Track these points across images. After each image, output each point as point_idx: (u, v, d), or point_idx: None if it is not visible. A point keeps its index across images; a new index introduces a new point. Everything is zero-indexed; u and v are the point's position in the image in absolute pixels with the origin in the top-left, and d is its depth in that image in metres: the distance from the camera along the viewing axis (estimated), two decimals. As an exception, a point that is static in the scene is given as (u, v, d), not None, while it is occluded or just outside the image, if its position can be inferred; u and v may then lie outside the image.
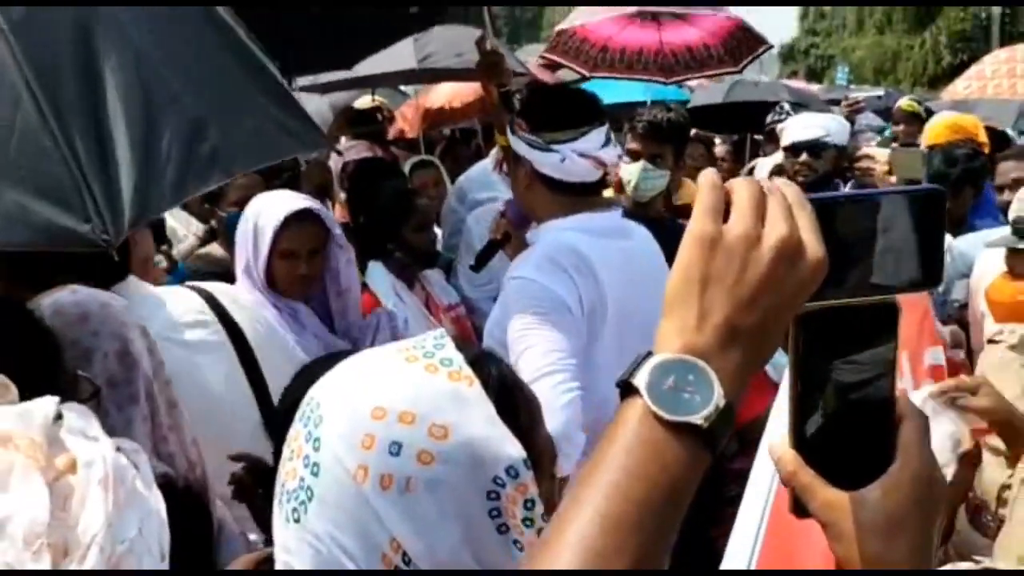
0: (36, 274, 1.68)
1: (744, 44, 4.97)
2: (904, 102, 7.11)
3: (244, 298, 2.22)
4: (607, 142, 2.04)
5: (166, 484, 1.33)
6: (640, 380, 0.62)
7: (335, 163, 4.61)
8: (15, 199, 1.20)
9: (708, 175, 0.67)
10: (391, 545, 0.79)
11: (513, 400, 0.87)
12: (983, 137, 4.38)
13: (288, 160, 3.63)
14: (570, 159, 1.98)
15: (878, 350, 0.72)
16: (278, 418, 1.49)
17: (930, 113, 6.68)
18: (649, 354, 0.64)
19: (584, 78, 4.99)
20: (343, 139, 5.40)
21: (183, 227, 3.43)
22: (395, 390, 0.82)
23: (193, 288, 2.10)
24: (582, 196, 2.05)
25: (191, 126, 1.39)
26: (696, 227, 0.64)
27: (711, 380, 0.62)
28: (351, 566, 0.79)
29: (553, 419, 1.74)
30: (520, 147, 2.04)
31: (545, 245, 1.99)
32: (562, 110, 2.06)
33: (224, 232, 3.00)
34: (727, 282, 0.63)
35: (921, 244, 0.69)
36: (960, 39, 21.28)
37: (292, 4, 2.64)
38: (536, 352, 1.82)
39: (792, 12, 36.30)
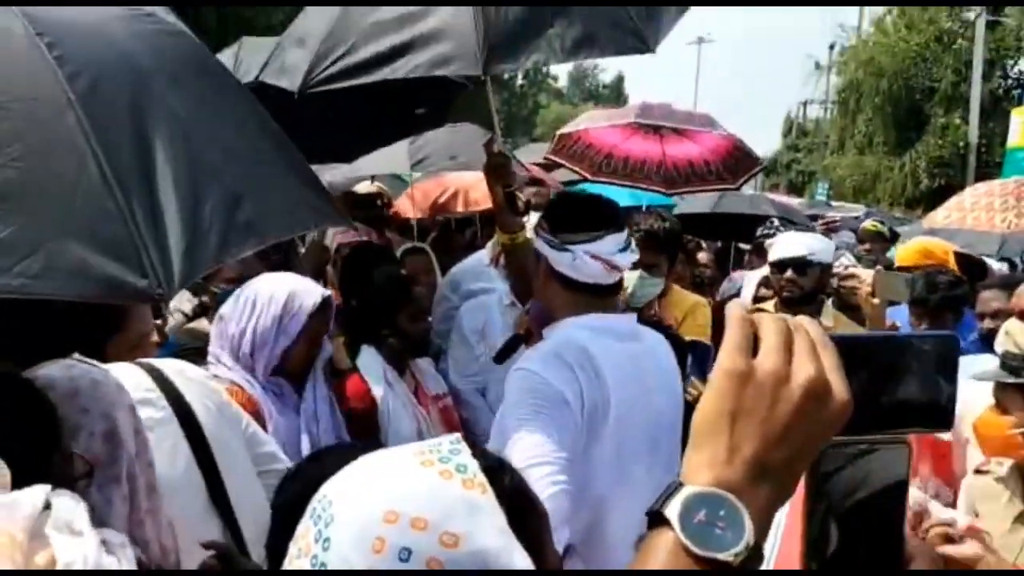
0: None
1: (741, 163, 5.16)
2: (868, 223, 7.42)
3: (193, 373, 2.21)
4: (625, 248, 2.11)
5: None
6: (672, 512, 0.63)
7: (328, 243, 4.64)
8: (78, 254, 1.26)
9: (735, 309, 0.69)
10: None
11: (524, 512, 0.87)
12: (952, 264, 4.50)
13: (284, 240, 3.68)
14: (580, 259, 2.05)
15: (889, 488, 0.74)
16: (277, 511, 1.47)
17: (894, 233, 6.93)
18: (679, 484, 0.65)
19: (584, 180, 5.12)
20: (338, 221, 5.44)
21: (175, 301, 3.43)
22: (409, 494, 0.81)
23: (140, 364, 2.09)
24: (596, 297, 2.11)
25: (230, 197, 1.49)
26: (727, 362, 0.66)
27: (742, 517, 0.62)
28: None
29: None
30: (540, 246, 2.13)
31: (554, 341, 2.05)
32: (580, 214, 2.15)
33: (216, 308, 3.01)
34: (757, 417, 0.64)
35: (933, 387, 0.72)
36: (938, 164, 21.98)
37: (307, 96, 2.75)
38: (527, 443, 1.83)
39: (776, 128, 37.51)
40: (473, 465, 0.84)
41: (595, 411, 1.94)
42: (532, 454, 1.80)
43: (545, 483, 1.78)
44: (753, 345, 0.67)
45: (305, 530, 0.84)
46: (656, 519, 0.64)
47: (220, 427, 2.12)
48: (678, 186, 5.17)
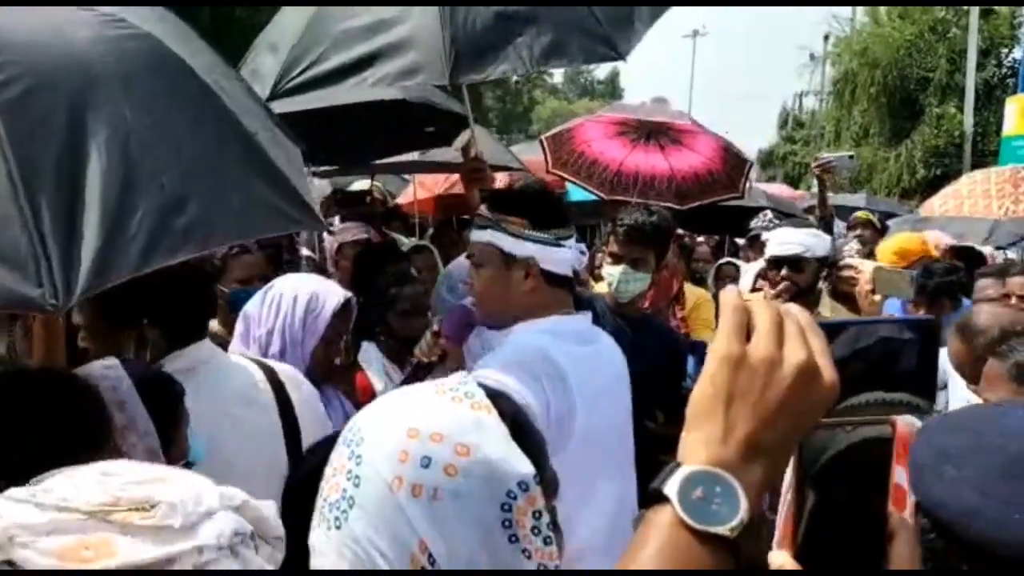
0: (123, 316, 1.86)
1: (736, 167, 5.19)
2: (860, 212, 7.43)
3: (292, 373, 2.30)
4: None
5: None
6: (671, 489, 0.67)
7: (329, 243, 4.67)
8: None
9: (730, 296, 0.73)
10: (419, 547, 0.90)
11: (523, 429, 1.00)
12: (933, 254, 4.46)
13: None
14: (575, 254, 2.04)
15: (872, 468, 0.76)
16: (292, 485, 1.50)
17: (883, 223, 6.94)
18: (677, 464, 0.69)
19: (602, 200, 5.13)
20: (337, 219, 5.48)
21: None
22: (426, 415, 0.95)
23: (256, 362, 2.20)
24: (568, 293, 2.08)
25: (170, 202, 1.47)
26: (722, 347, 0.70)
27: (737, 493, 0.66)
28: (384, 565, 0.90)
29: None
30: (524, 247, 1.99)
31: (516, 349, 1.94)
32: (560, 207, 2.10)
33: (225, 308, 3.01)
34: (750, 400, 0.68)
35: (916, 369, 0.76)
36: (934, 154, 21.98)
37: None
38: None
39: (772, 120, 37.50)
40: (479, 392, 0.99)
41: (562, 422, 1.86)
42: None
43: None
44: (746, 331, 0.70)
45: (339, 453, 0.98)
46: (654, 497, 0.68)
47: (310, 420, 2.22)
48: (690, 200, 5.21)
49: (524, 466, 0.94)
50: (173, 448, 1.74)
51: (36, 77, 1.45)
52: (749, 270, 4.95)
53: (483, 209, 2.09)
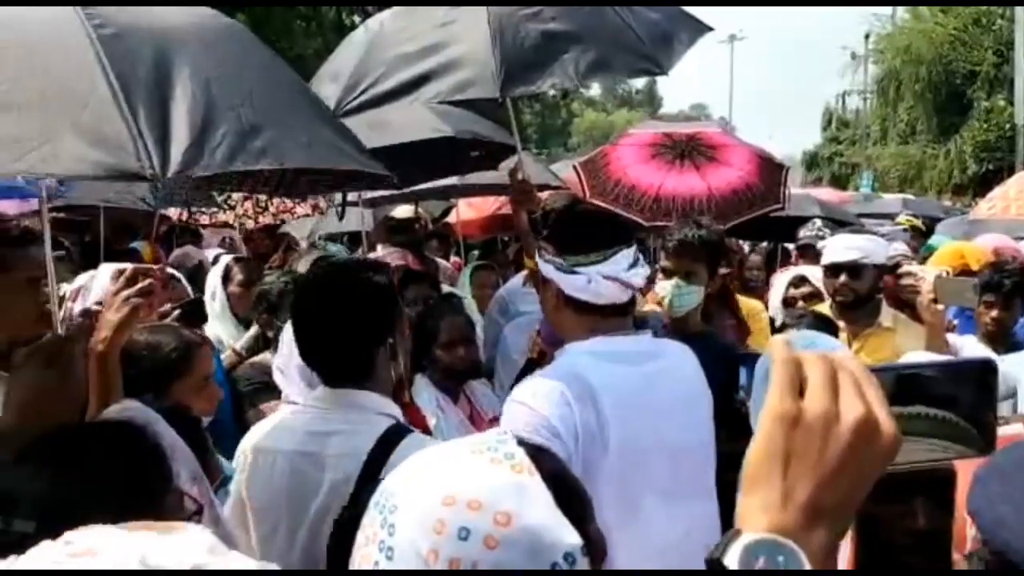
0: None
1: (773, 175, 5.08)
2: (901, 218, 7.23)
3: None
4: (635, 263, 2.03)
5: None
6: (731, 560, 0.64)
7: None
8: (80, 146, 1.53)
9: (780, 348, 0.70)
10: None
11: (568, 492, 0.93)
12: (975, 267, 4.24)
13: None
14: (596, 282, 1.98)
15: (935, 516, 0.75)
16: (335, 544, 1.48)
17: (928, 227, 6.74)
18: (737, 532, 0.66)
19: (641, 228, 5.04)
20: (379, 246, 5.50)
21: (230, 339, 3.46)
22: (463, 481, 0.88)
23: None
24: (609, 317, 2.04)
25: (247, 126, 1.72)
26: (775, 404, 0.67)
27: (801, 561, 0.63)
28: None
29: None
30: (547, 270, 2.04)
31: (553, 369, 2.00)
32: (587, 233, 2.08)
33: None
34: (809, 460, 0.65)
35: (973, 412, 0.74)
36: (985, 148, 21.49)
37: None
38: None
39: (815, 121, 37.02)
40: (519, 452, 0.92)
41: (592, 443, 1.88)
42: None
43: None
44: (799, 386, 0.68)
45: (371, 520, 0.91)
46: (714, 566, 0.65)
47: None
48: (732, 218, 5.07)
49: (570, 536, 0.87)
50: (209, 470, 1.78)
51: (124, 25, 1.74)
52: (780, 281, 4.82)
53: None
